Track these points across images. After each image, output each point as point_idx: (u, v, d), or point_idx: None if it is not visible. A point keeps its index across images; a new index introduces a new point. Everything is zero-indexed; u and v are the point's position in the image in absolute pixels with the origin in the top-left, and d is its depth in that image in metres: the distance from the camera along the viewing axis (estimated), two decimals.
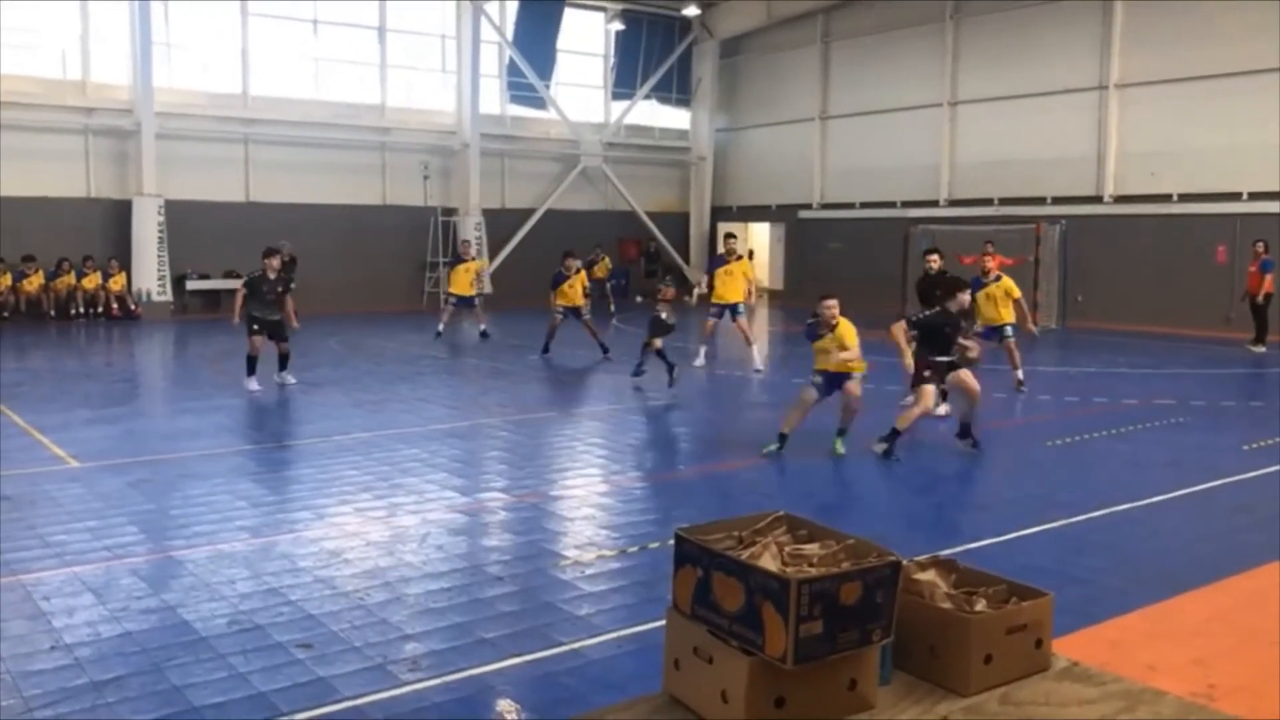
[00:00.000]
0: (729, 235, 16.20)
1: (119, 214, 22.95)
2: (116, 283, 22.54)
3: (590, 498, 8.28)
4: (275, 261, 13.02)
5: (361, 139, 26.20)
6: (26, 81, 22.07)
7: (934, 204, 26.23)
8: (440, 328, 18.72)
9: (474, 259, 19.98)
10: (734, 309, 15.22)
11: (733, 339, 16.45)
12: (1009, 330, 13.46)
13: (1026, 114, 24.33)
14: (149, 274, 22.81)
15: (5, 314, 21.23)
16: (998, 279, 13.65)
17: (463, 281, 18.96)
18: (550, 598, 5.82)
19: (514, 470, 9.11)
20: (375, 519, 7.51)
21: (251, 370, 12.83)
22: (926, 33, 26.29)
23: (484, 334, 18.94)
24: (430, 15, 27.30)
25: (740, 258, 15.62)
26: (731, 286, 15.17)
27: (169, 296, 23.14)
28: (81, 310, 22.10)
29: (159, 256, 22.83)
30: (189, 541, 6.80)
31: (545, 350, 16.30)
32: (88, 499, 7.81)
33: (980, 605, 3.27)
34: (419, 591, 5.87)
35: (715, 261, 15.67)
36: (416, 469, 8.94)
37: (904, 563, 3.50)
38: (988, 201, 24.91)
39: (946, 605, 3.27)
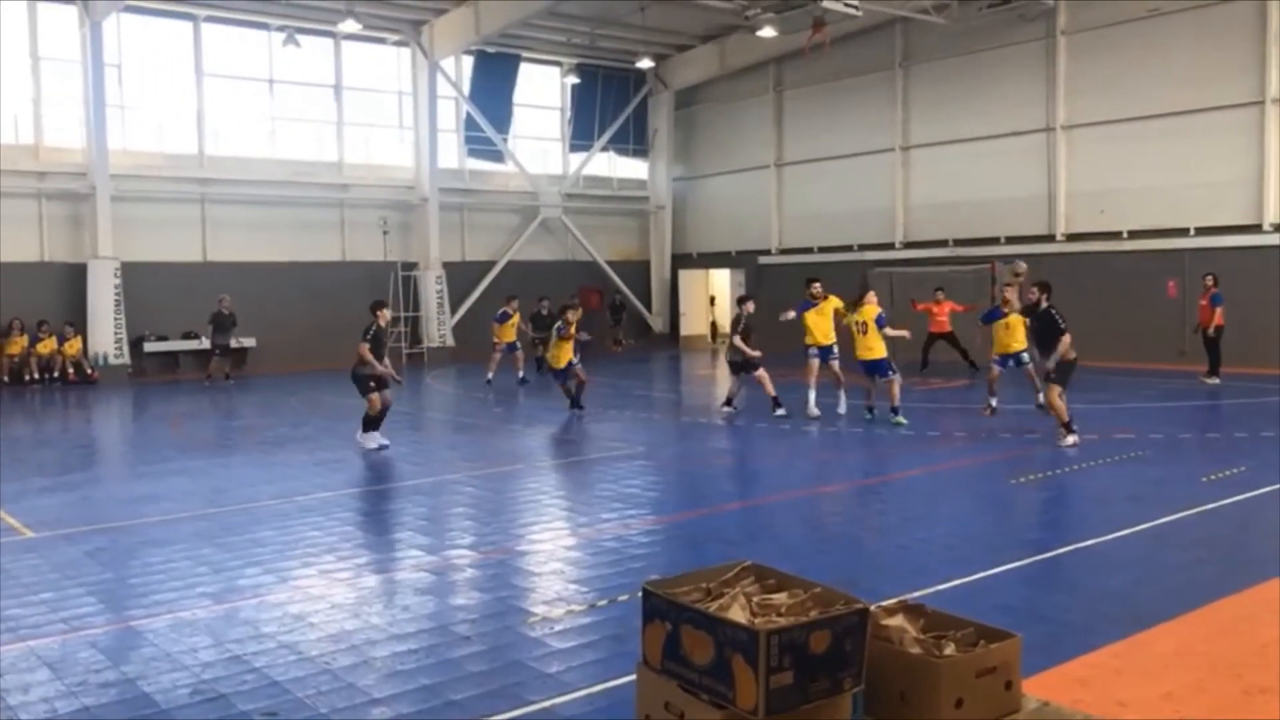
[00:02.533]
0: (812, 279, 15.73)
1: (74, 277, 22.73)
2: (72, 347, 22.25)
3: (558, 551, 8.22)
4: (387, 313, 12.96)
5: (320, 196, 26.21)
6: None
7: (890, 246, 26.59)
8: (490, 376, 20.25)
9: (516, 312, 20.97)
10: (828, 351, 15.12)
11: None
12: (1025, 357, 14.38)
13: (977, 156, 24.83)
14: (105, 337, 22.55)
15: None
16: (827, 298, 15.11)
17: (510, 332, 20.52)
18: (519, 656, 5.76)
19: (480, 525, 9.04)
20: (340, 580, 7.40)
21: (375, 426, 12.59)
22: (877, 80, 26.81)
23: (522, 380, 20.54)
24: (387, 72, 27.48)
25: (828, 297, 15.35)
26: (825, 327, 15.09)
27: (126, 359, 22.88)
28: (36, 376, 21.77)
29: (115, 319, 22.60)
30: (149, 610, 6.67)
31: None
32: (43, 570, 7.64)
33: (949, 649, 3.29)
34: (386, 654, 5.78)
35: (804, 304, 15.34)
36: (381, 527, 8.85)
37: (872, 609, 3.51)
38: (942, 243, 25.30)
39: (916, 650, 3.29)
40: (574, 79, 30.16)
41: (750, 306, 15.32)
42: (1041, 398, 13.67)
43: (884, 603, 3.72)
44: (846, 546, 8.29)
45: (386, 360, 12.63)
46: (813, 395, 14.84)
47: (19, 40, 22.55)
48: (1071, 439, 11.97)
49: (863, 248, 26.93)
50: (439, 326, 27.23)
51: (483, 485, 10.68)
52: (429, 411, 17.78)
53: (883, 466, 11.36)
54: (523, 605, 6.72)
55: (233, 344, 22.77)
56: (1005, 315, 14.40)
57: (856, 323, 14.43)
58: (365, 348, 12.15)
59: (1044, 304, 12.10)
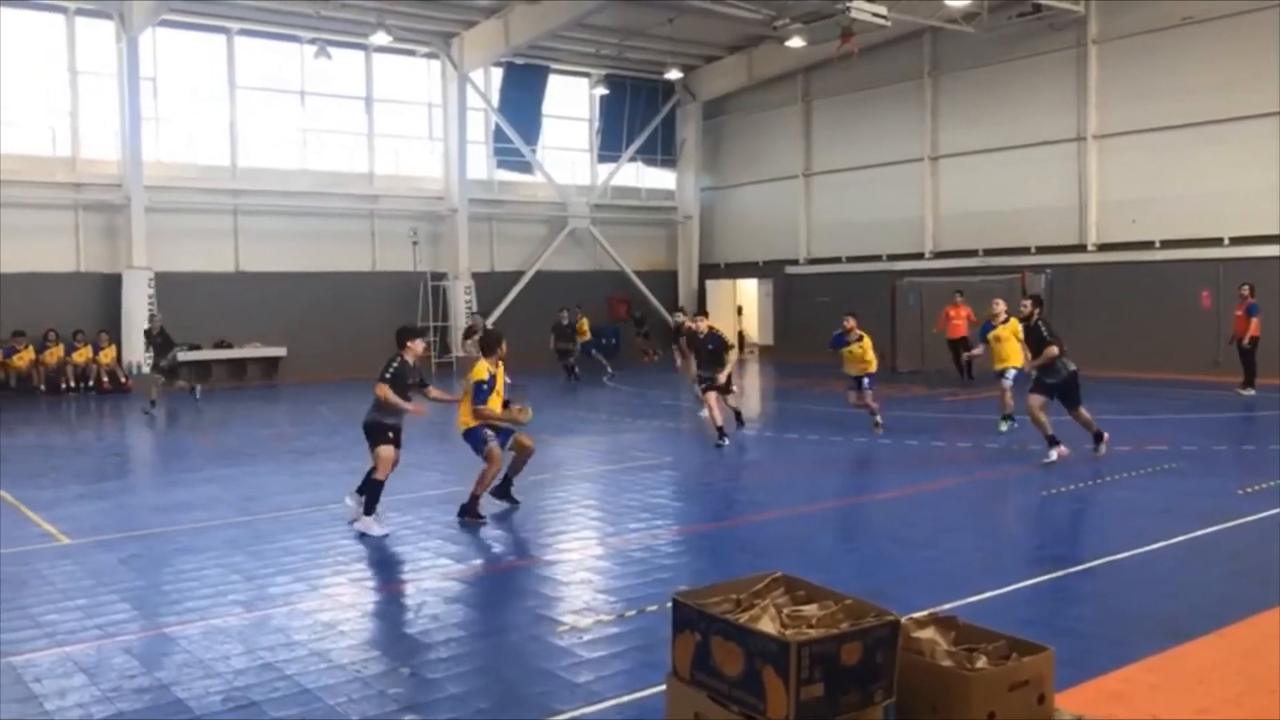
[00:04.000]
0: (996, 299, 15.03)
1: (109, 287, 23.02)
2: (106, 355, 22.53)
3: (585, 561, 8.23)
4: (419, 346, 9.64)
5: (350, 207, 26.42)
6: (16, 159, 22.25)
7: (919, 256, 26.47)
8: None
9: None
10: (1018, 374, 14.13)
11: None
12: (1010, 373, 14.12)
13: (1007, 166, 24.69)
14: (139, 346, 22.78)
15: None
16: (1006, 321, 14.28)
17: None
18: (548, 665, 5.77)
19: (508, 535, 9.06)
20: (370, 588, 7.45)
21: (376, 497, 9.06)
22: (906, 89, 26.73)
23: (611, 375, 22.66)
24: (417, 84, 27.69)
25: (1009, 319, 14.35)
26: (1011, 350, 14.15)
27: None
28: (72, 384, 22.04)
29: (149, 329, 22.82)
30: (182, 617, 6.73)
31: None
32: (79, 576, 7.74)
33: (981, 662, 3.27)
34: (416, 662, 5.80)
35: (985, 327, 14.90)
36: (411, 536, 8.89)
37: (903, 621, 3.50)
38: (972, 253, 25.16)
39: (947, 663, 3.27)
40: (602, 90, 30.26)
41: (701, 323, 14.98)
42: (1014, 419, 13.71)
43: (915, 615, 3.71)
44: (875, 558, 8.25)
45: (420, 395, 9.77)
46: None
47: (57, 54, 22.92)
48: (1054, 454, 11.57)
49: (891, 258, 26.82)
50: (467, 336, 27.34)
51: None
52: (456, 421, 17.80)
53: (912, 477, 11.29)
54: (551, 614, 6.73)
55: (178, 360, 20.14)
56: (994, 328, 14.40)
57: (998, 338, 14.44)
58: (386, 389, 9.06)
59: (1035, 317, 11.91)
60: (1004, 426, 13.97)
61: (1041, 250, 23.86)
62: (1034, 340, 11.91)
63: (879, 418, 14.34)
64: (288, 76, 25.62)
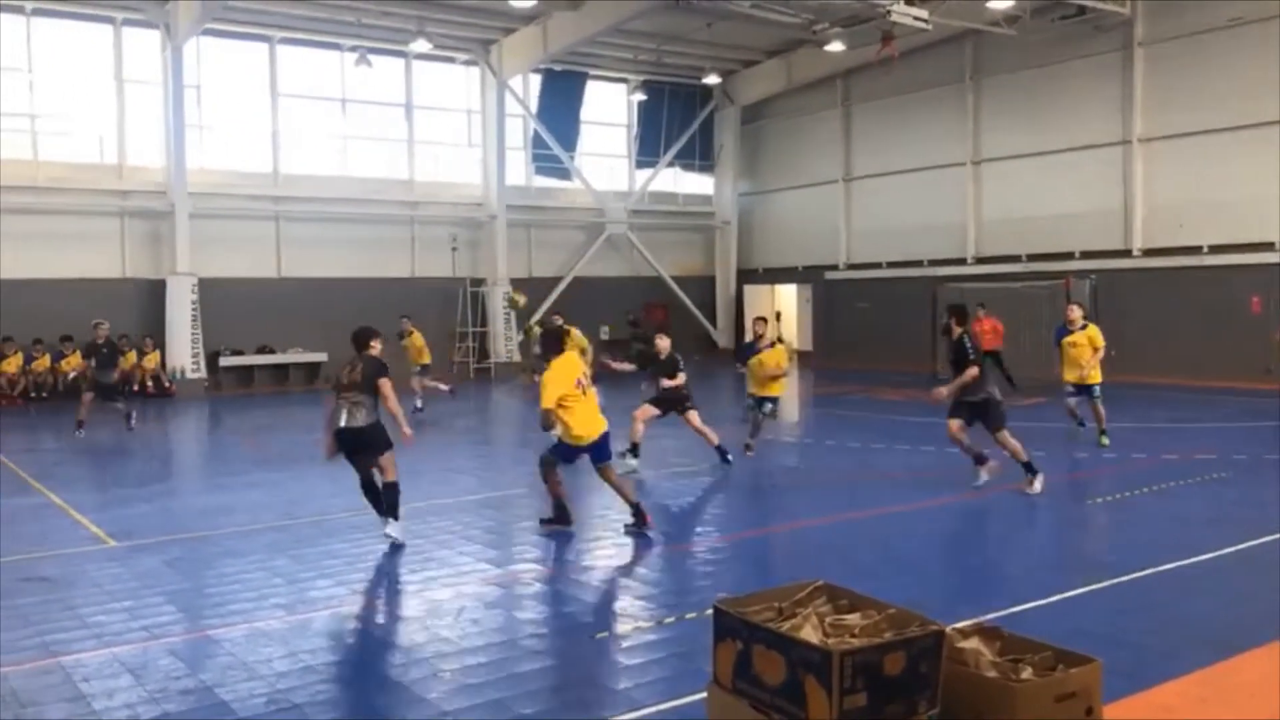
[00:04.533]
0: (1072, 305, 14.15)
1: (154, 293, 23.36)
2: (151, 361, 22.85)
3: (624, 568, 8.22)
4: (378, 346, 8.95)
5: (390, 213, 26.64)
6: (65, 167, 22.68)
7: (961, 262, 26.24)
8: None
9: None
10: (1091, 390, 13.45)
11: None
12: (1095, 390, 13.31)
13: (1051, 170, 24.41)
14: (183, 351, 23.12)
15: (44, 394, 21.55)
16: (1084, 327, 13.47)
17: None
18: (588, 671, 5.76)
19: (547, 541, 9.07)
20: (410, 593, 7.48)
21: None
22: (947, 93, 26.53)
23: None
24: (456, 91, 27.87)
25: (1086, 325, 13.54)
26: (1086, 358, 13.36)
27: (203, 373, 23.41)
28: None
29: (193, 334, 23.16)
30: (225, 620, 6.80)
31: None
32: (125, 578, 7.85)
33: (1026, 673, 3.22)
34: (456, 667, 5.82)
35: (1059, 331, 13.93)
36: (450, 541, 8.92)
37: (947, 631, 3.45)
38: (1015, 258, 24.89)
39: (992, 674, 3.22)
40: (640, 95, 30.30)
41: (662, 342, 12.89)
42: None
43: (959, 625, 3.66)
44: (917, 567, 8.16)
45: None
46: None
47: (105, 64, 23.32)
48: (985, 473, 10.62)
49: (933, 263, 26.60)
50: (506, 342, 27.46)
51: (549, 500, 10.70)
52: (496, 426, 17.93)
53: (955, 486, 11.17)
54: (590, 621, 6.73)
55: (114, 378, 17.38)
56: (1070, 333, 13.57)
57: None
58: (391, 385, 8.68)
59: (957, 331, 10.71)
60: (1105, 440, 13.17)
61: (1086, 255, 23.56)
62: (957, 358, 10.66)
63: (753, 440, 13.03)
64: (329, 84, 25.89)
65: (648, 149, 30.79)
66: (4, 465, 13.28)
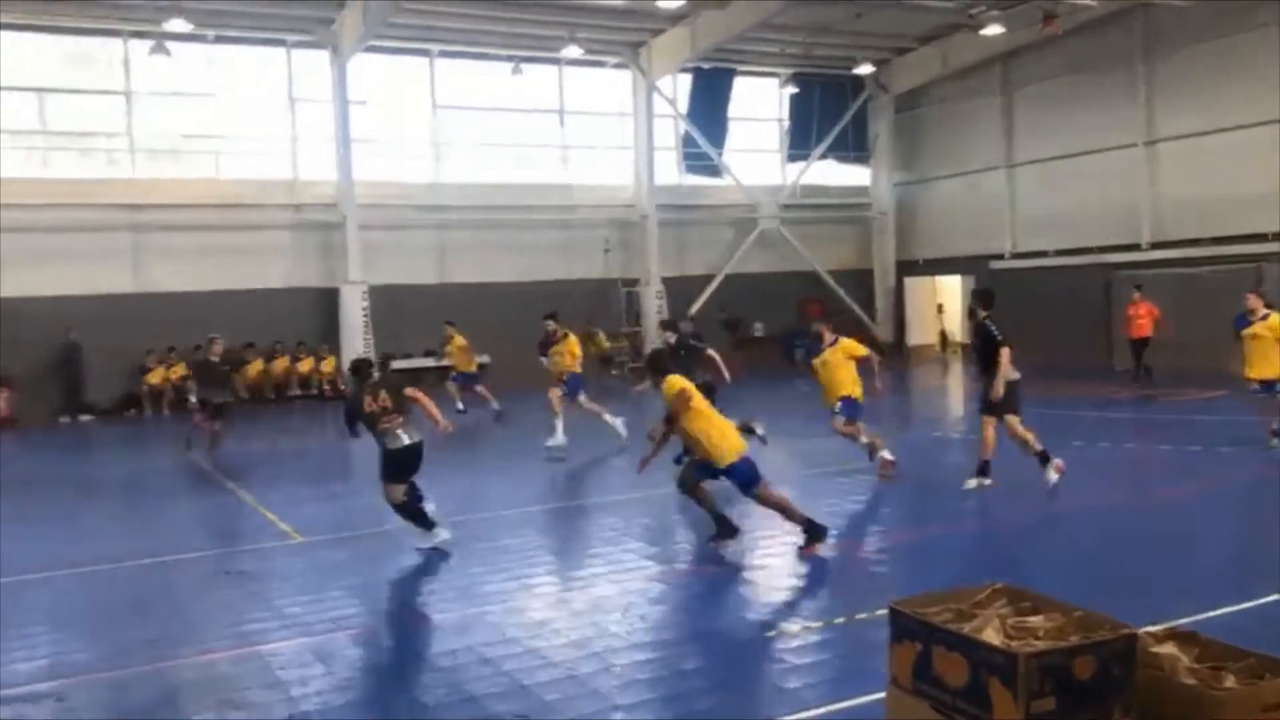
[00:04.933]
0: (1255, 291, 13.05)
1: (328, 301, 24.53)
2: (328, 365, 24.01)
3: (789, 566, 8.17)
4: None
5: (545, 218, 27.18)
6: (243, 184, 24.07)
7: (1135, 248, 24.97)
8: None
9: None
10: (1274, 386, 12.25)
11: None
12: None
13: (1237, 146, 22.84)
14: (357, 356, 24.16)
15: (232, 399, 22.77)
16: (1265, 318, 12.27)
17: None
18: (757, 669, 5.77)
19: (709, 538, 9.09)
20: (578, 589, 7.64)
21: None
22: (1116, 71, 25.27)
23: None
24: (607, 95, 28.24)
25: (1268, 315, 12.30)
26: (1274, 353, 12.14)
27: (375, 376, 24.38)
28: (297, 392, 23.59)
29: (365, 339, 24.20)
30: (404, 612, 7.10)
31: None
32: (310, 572, 8.29)
33: (1229, 681, 3.06)
34: (626, 662, 5.92)
35: (1239, 321, 12.67)
36: (614, 538, 9.07)
37: (1140, 635, 3.31)
38: (1196, 242, 23.51)
39: (1190, 681, 3.08)
40: (791, 89, 30.02)
41: (671, 337, 12.61)
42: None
43: (1150, 629, 3.51)
44: (1102, 569, 7.81)
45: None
46: None
47: (278, 83, 24.65)
48: (1053, 471, 9.95)
49: (1104, 249, 25.40)
50: (652, 344, 27.64)
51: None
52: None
53: (1142, 483, 10.67)
54: (758, 619, 6.74)
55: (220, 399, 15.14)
56: (1250, 324, 12.32)
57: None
58: (415, 390, 9.27)
59: (981, 315, 10.20)
60: (1275, 443, 12.05)
61: None
62: (984, 344, 10.09)
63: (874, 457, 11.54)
64: (486, 94, 26.63)
65: (799, 142, 30.48)
66: (203, 468, 14.17)
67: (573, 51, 24.90)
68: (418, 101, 26.03)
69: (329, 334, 24.33)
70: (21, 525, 10.43)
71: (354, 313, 24.19)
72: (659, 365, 8.68)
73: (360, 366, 9.31)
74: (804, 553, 8.14)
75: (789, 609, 6.97)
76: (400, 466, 8.76)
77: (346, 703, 5.48)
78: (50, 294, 21.47)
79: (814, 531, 8.21)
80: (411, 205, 25.66)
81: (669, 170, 29.06)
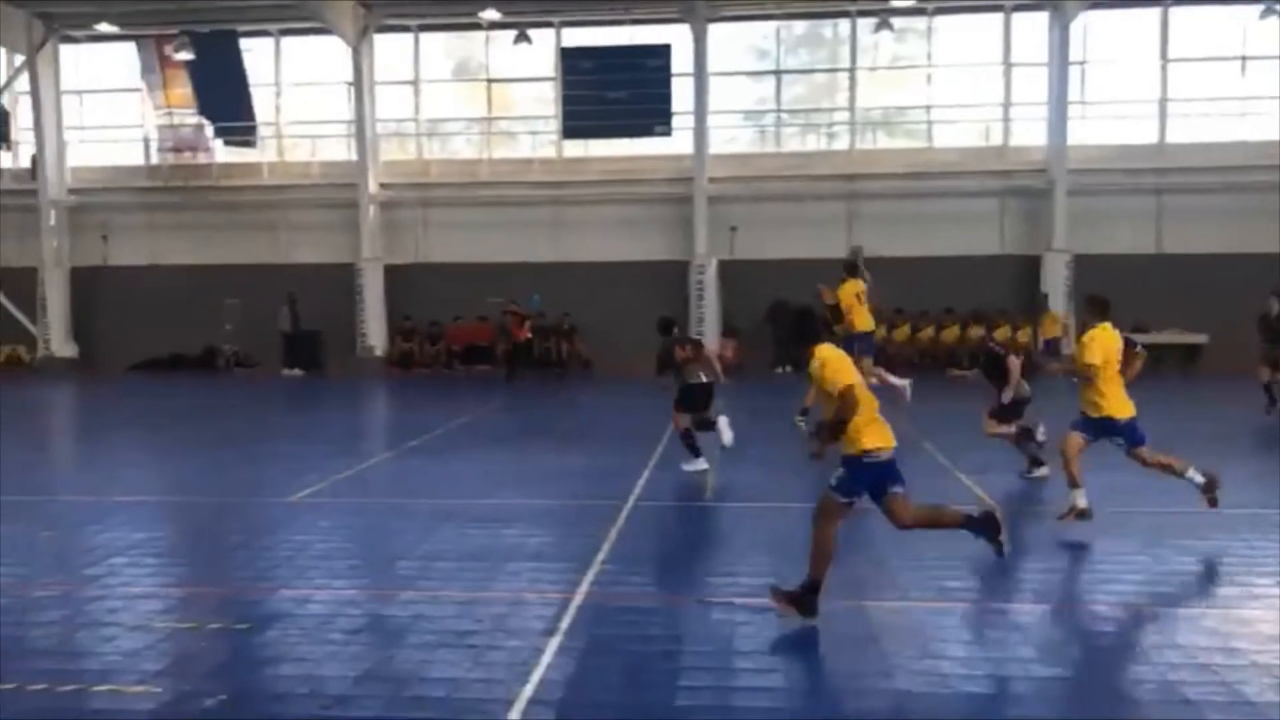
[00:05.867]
0: None
1: (1028, 269, 23.96)
2: (1024, 335, 23.50)
3: None
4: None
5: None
6: (954, 152, 24.47)
7: None
8: None
9: None
10: None
11: None
12: None
13: None
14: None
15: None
16: None
17: None
18: None
19: None
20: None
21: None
22: None
23: None
24: None
25: None
26: None
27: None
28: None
29: (1066, 310, 23.28)
30: (1138, 599, 6.71)
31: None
32: (1011, 541, 8.19)
33: None
34: None
35: None
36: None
37: None
38: None
39: None
40: None
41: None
42: None
43: None
44: None
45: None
46: None
47: (993, 49, 24.52)
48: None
49: None
50: None
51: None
52: None
53: None
54: None
55: None
56: None
57: None
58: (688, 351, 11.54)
59: None
60: None
61: None
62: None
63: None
64: (1226, 43, 23.73)
65: None
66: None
67: None
68: (1144, 58, 24.11)
69: (1027, 303, 23.79)
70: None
71: (1055, 283, 23.40)
72: None
73: (668, 324, 12.01)
74: None
75: None
76: (694, 399, 11.20)
77: (1050, 676, 5.36)
78: (771, 258, 23.89)
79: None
80: (1127, 170, 23.99)
81: None
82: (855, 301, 13.77)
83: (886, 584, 7.05)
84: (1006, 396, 10.74)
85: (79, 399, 22.34)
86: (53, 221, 26.12)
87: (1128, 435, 8.27)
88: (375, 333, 25.35)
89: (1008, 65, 24.50)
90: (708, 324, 23.57)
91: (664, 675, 5.40)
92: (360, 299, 25.15)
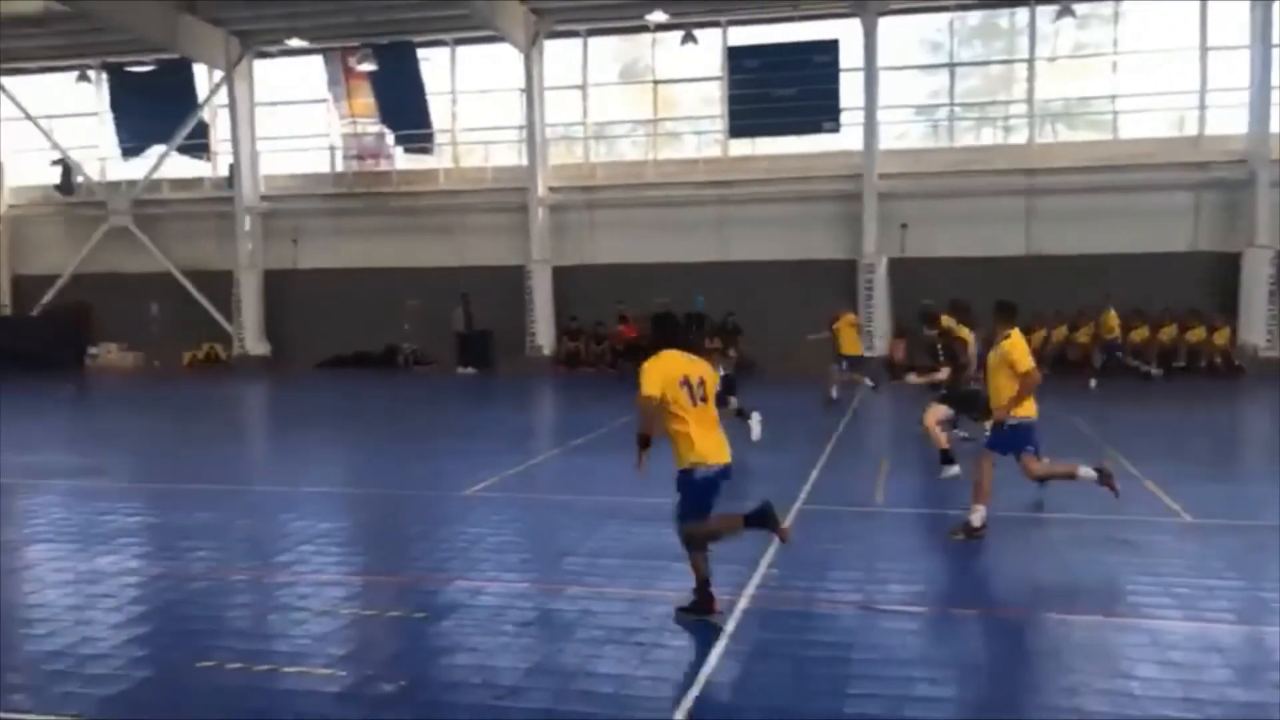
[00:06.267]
0: None
1: (1227, 267, 22.43)
2: (1221, 337, 22.07)
3: None
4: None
5: None
6: (1143, 144, 23.16)
7: None
8: None
9: None
10: None
11: None
12: None
13: None
14: (1257, 328, 21.87)
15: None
16: None
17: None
18: None
19: None
20: None
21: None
22: None
23: None
24: None
25: None
26: None
27: (1277, 351, 21.87)
28: (1182, 364, 21.92)
29: (1270, 310, 21.75)
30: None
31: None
32: (1205, 555, 7.72)
33: None
34: None
35: None
36: None
37: None
38: None
39: None
40: None
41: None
42: None
43: None
44: None
45: None
46: None
47: (1188, 37, 23.08)
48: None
49: None
50: None
51: None
52: None
53: None
54: None
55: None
56: None
57: None
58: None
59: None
60: None
61: None
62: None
63: None
64: None
65: None
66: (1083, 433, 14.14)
67: None
68: None
69: (1226, 302, 22.28)
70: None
71: (1257, 280, 21.92)
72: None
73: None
74: None
75: None
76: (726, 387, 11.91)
77: (1247, 702, 4.98)
78: (946, 255, 23.15)
79: None
80: None
81: None
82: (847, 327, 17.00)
83: (1070, 595, 6.73)
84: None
85: (271, 395, 23.68)
86: (247, 227, 27.74)
87: None
88: (543, 332, 25.91)
89: (1204, 49, 23.00)
90: (877, 324, 23.06)
91: (832, 682, 5.30)
92: (530, 300, 25.75)
